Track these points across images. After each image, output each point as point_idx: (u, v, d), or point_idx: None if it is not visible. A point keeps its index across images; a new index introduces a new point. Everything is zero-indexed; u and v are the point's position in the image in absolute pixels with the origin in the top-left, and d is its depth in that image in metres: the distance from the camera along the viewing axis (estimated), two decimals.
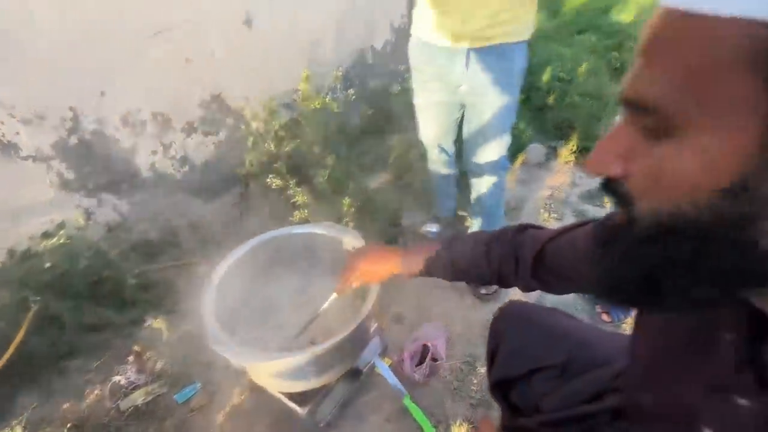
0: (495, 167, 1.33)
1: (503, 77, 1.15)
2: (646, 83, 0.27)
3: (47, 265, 1.24)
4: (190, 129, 1.58)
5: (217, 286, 0.97)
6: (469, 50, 1.12)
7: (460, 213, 1.77)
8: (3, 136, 1.12)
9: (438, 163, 1.52)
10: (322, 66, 1.98)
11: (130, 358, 1.20)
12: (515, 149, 2.28)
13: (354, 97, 2.13)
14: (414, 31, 1.22)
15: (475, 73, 1.15)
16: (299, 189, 1.60)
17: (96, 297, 1.30)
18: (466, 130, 1.33)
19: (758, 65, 0.23)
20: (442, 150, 1.47)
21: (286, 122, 1.81)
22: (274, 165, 1.64)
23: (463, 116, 1.34)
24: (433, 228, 1.66)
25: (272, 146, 1.71)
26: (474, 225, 1.53)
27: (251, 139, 1.73)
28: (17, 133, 1.14)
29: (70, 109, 1.22)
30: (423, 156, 1.59)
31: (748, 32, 0.22)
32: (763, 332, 0.33)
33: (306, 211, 1.58)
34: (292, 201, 1.62)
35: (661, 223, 0.29)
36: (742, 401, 0.35)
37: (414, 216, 1.83)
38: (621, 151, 0.30)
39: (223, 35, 1.54)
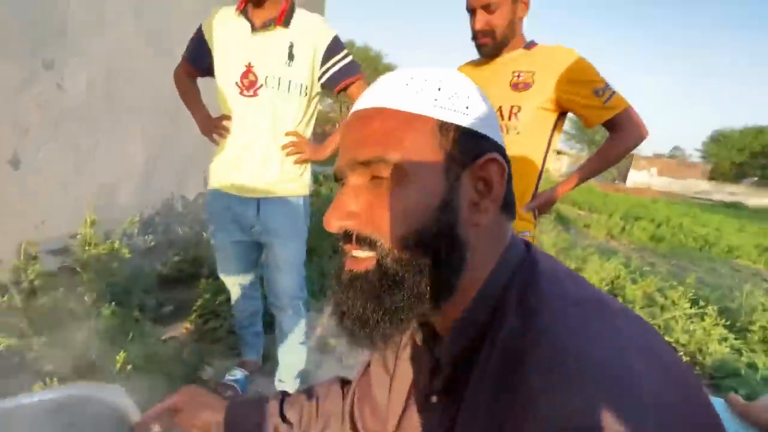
0: (293, 298, 1.40)
1: (290, 221, 1.34)
2: (383, 154, 0.38)
3: None
4: None
5: None
6: (259, 200, 1.29)
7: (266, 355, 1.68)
8: None
9: (241, 301, 1.50)
10: (119, 213, 1.85)
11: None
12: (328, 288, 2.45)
13: (153, 243, 2.00)
14: (212, 183, 1.35)
15: (266, 218, 1.30)
16: (50, 350, 1.25)
17: None
18: (265, 268, 1.41)
19: (437, 139, 0.38)
20: (244, 287, 1.47)
21: (47, 271, 1.51)
22: (13, 321, 1.28)
23: (262, 256, 1.43)
24: (237, 374, 1.50)
25: (17, 299, 1.36)
26: (281, 361, 1.47)
27: None
28: None
29: None
30: (229, 300, 1.55)
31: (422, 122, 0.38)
32: (434, 339, 0.45)
33: (55, 379, 1.21)
34: (36, 368, 1.23)
35: (407, 247, 0.37)
36: (434, 398, 0.44)
37: (220, 366, 1.63)
38: (354, 206, 0.39)
39: None
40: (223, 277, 1.46)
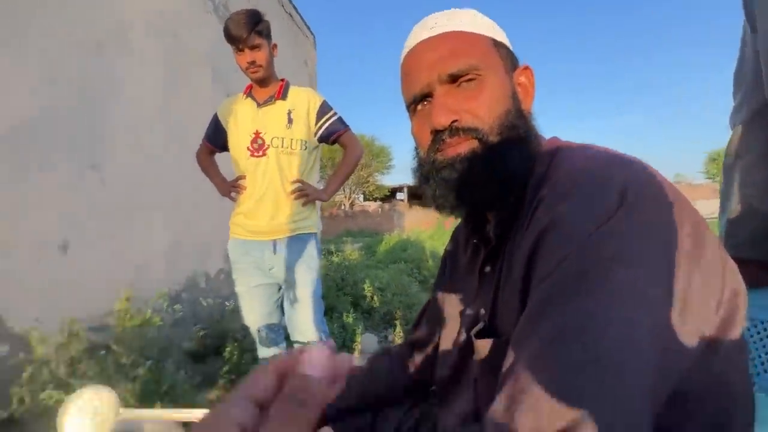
0: (315, 330, 1.48)
1: (303, 259, 1.49)
2: (469, 62, 0.49)
3: None
4: None
5: None
6: (275, 241, 1.47)
7: None
8: None
9: (267, 347, 1.57)
10: (148, 290, 2.02)
11: None
12: (349, 341, 2.47)
13: (181, 314, 2.12)
14: (231, 233, 1.54)
15: (282, 255, 1.46)
16: None
17: None
18: (286, 307, 1.52)
19: (496, 51, 0.51)
20: (270, 330, 1.56)
21: (86, 347, 1.62)
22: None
23: (282, 299, 1.55)
24: None
25: (62, 373, 1.45)
26: None
27: (29, 369, 1.44)
28: None
29: None
30: (255, 359, 1.61)
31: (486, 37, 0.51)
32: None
33: None
34: None
35: (503, 126, 0.47)
36: (482, 312, 0.51)
37: None
38: (454, 104, 0.48)
39: (30, 257, 1.53)
40: (248, 322, 1.56)
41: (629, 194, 0.36)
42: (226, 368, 1.94)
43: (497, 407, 0.35)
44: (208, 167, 1.64)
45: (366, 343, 2.45)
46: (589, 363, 0.32)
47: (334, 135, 1.52)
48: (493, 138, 0.48)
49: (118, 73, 1.98)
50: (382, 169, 24.29)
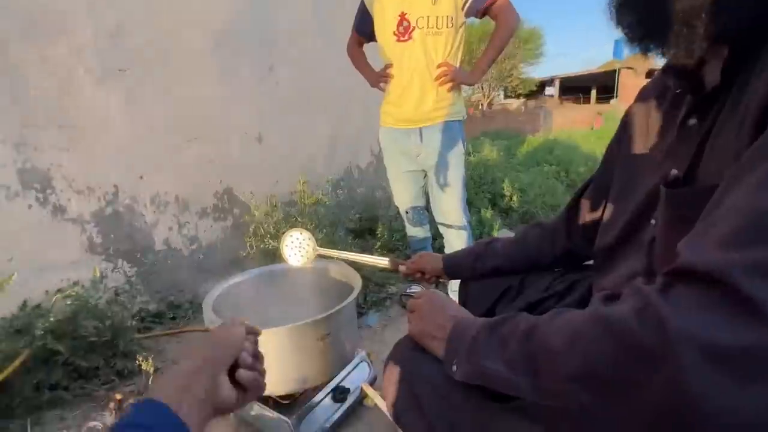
0: (458, 212, 1.59)
1: (448, 145, 1.54)
2: None
3: (52, 318, 1.33)
4: (203, 213, 1.88)
5: (219, 295, 1.09)
6: (421, 129, 1.54)
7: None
8: (58, 200, 1.40)
9: (414, 226, 1.78)
10: (316, 177, 2.44)
11: (111, 405, 1.18)
12: (486, 235, 2.57)
13: (342, 197, 2.52)
14: (382, 122, 1.68)
15: (428, 142, 1.54)
16: None
17: (88, 351, 1.34)
18: (431, 192, 1.65)
19: None
20: (416, 212, 1.75)
21: (283, 216, 2.14)
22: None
23: (427, 184, 1.68)
24: (414, 288, 1.79)
25: (271, 230, 1.98)
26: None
27: (254, 226, 2.02)
28: (69, 200, 1.42)
29: (114, 185, 1.54)
30: (404, 237, 1.84)
31: None
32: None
33: None
34: None
35: None
36: (674, 171, 0.45)
37: (402, 285, 1.97)
38: None
39: (240, 145, 2.02)
40: (398, 203, 1.77)
41: None
42: (378, 244, 2.30)
43: (690, 236, 0.33)
44: (358, 59, 1.74)
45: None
46: None
47: (485, 4, 1.40)
48: None
49: None
50: (530, 58, 20.70)
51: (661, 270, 0.33)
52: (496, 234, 2.59)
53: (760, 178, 0.30)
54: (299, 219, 2.16)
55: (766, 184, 0.30)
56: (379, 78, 1.61)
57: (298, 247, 1.13)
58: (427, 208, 1.79)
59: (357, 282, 1.15)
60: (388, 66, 1.56)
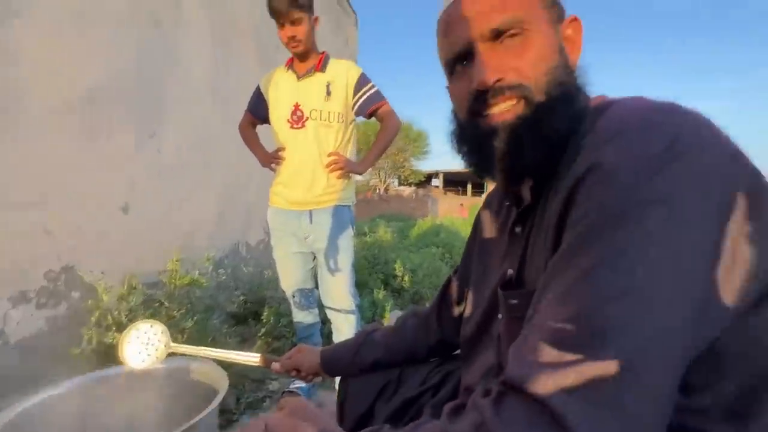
0: (347, 297, 1.54)
1: (338, 229, 1.54)
2: (511, 17, 0.45)
3: None
4: (21, 299, 1.45)
5: (22, 413, 0.78)
6: (311, 211, 1.53)
7: None
8: None
9: (301, 310, 1.66)
10: (196, 254, 2.18)
11: None
12: (379, 317, 2.54)
13: (225, 278, 2.27)
14: (271, 202, 1.62)
15: (318, 225, 1.52)
16: None
17: None
18: (320, 275, 1.59)
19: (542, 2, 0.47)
20: (303, 295, 1.64)
21: (143, 300, 1.79)
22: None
23: (316, 267, 1.62)
24: (298, 383, 1.60)
25: (123, 318, 1.62)
26: None
27: (97, 314, 1.62)
28: None
29: None
30: (290, 323, 1.70)
31: None
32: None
33: None
34: None
35: (549, 94, 0.44)
36: (510, 272, 0.51)
37: (285, 379, 1.74)
38: (497, 62, 0.46)
39: (97, 215, 1.70)
40: (284, 286, 1.65)
41: (681, 141, 0.33)
42: (263, 330, 2.06)
43: (516, 343, 0.37)
44: (250, 139, 1.72)
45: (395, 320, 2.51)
46: (615, 297, 0.31)
47: (372, 107, 1.54)
48: (540, 97, 0.45)
49: (172, 45, 2.09)
50: (419, 154, 24.08)
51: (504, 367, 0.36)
52: (387, 315, 2.58)
53: (556, 295, 0.35)
54: (166, 303, 1.83)
55: (562, 300, 0.34)
56: (270, 159, 1.59)
57: (145, 344, 0.92)
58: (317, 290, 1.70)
59: (222, 384, 0.96)
60: (280, 149, 1.56)
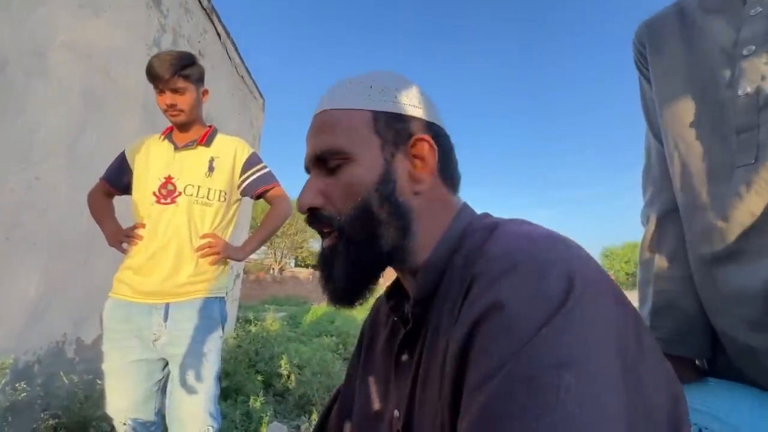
0: (202, 424, 1.18)
1: (203, 329, 1.24)
2: (330, 145, 0.46)
3: None
4: None
5: None
6: (167, 305, 1.22)
7: None
8: None
9: None
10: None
11: None
12: (255, 430, 2.07)
13: (32, 390, 1.62)
14: (112, 292, 1.26)
15: (175, 324, 1.21)
16: None
17: None
18: (170, 393, 1.22)
19: (372, 127, 0.46)
20: (141, 427, 1.21)
21: None
22: None
23: (165, 380, 1.25)
24: None
25: None
26: None
27: None
28: None
29: None
30: None
31: (361, 114, 0.46)
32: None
33: None
34: None
35: (357, 217, 0.44)
36: (396, 413, 0.45)
37: None
38: (317, 190, 0.46)
39: None
40: (112, 410, 1.21)
41: (576, 283, 0.32)
42: None
43: None
44: (101, 209, 1.40)
45: None
46: None
47: (260, 189, 1.40)
48: (349, 229, 0.45)
49: (20, 92, 1.72)
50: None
51: None
52: (264, 429, 2.12)
53: None
54: None
55: None
56: (122, 237, 1.28)
57: None
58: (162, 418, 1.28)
59: None
60: (138, 225, 1.28)
